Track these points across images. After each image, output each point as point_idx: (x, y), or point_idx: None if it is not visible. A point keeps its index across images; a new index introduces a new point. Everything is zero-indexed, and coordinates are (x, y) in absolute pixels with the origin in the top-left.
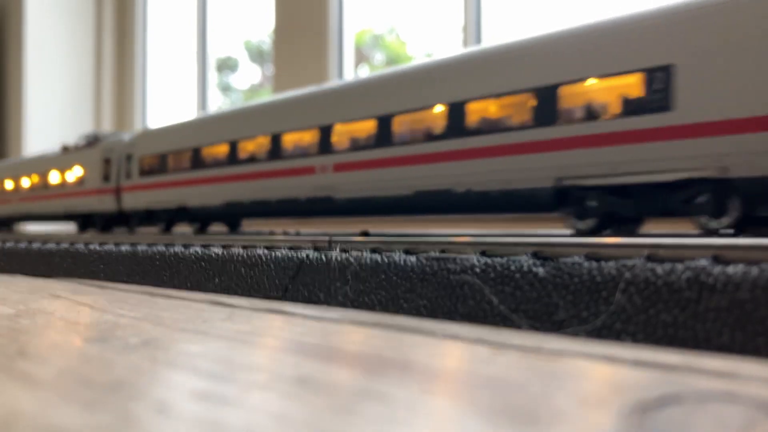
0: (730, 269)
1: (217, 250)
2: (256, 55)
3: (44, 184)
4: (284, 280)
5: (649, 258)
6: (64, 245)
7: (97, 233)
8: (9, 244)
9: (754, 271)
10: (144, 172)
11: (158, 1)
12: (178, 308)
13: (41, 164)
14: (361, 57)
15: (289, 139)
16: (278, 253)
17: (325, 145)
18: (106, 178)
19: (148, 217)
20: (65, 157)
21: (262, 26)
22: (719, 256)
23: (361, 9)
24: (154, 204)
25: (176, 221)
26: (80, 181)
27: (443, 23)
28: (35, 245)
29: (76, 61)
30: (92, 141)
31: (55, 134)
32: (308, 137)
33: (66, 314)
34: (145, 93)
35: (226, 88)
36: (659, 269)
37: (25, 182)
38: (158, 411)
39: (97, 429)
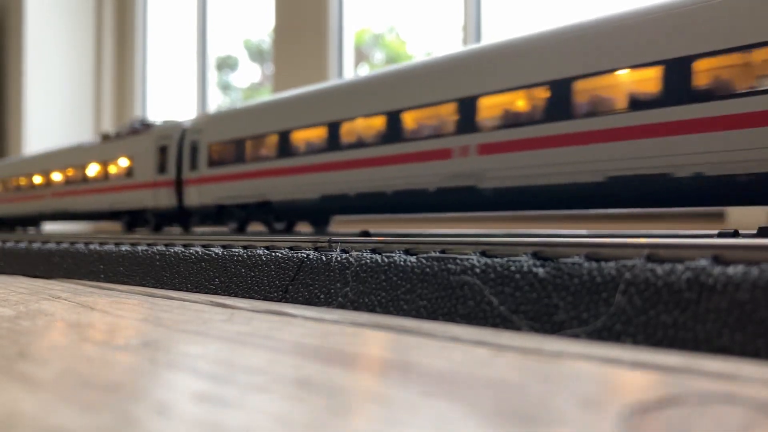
0: (730, 270)
1: (218, 251)
2: (256, 54)
3: (82, 178)
4: (284, 280)
5: (649, 258)
6: (64, 245)
7: (149, 232)
8: (9, 244)
9: (754, 271)
10: (214, 162)
11: (158, 0)
12: (178, 309)
13: (77, 155)
14: (360, 56)
15: (414, 118)
16: (278, 254)
17: (466, 122)
18: (161, 169)
19: (217, 214)
20: (107, 146)
21: (262, 25)
22: (719, 257)
23: (360, 8)
24: (227, 199)
25: (254, 219)
26: (127, 173)
27: (443, 22)
28: (35, 245)
29: (76, 61)
30: (141, 127)
31: (55, 134)
32: (442, 113)
33: (66, 315)
34: (145, 93)
35: (226, 87)
36: (659, 270)
37: (58, 176)
38: (158, 412)
39: (97, 430)
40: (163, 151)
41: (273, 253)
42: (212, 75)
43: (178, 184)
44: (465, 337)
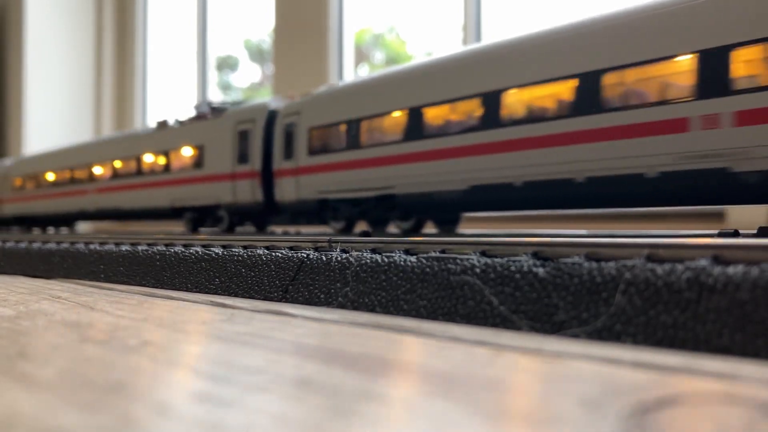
0: (731, 270)
1: (218, 250)
2: (256, 54)
3: (136, 170)
4: (284, 280)
5: (649, 258)
6: (64, 245)
7: (218, 233)
8: (9, 244)
9: (755, 271)
10: (316, 149)
11: (158, 0)
12: (178, 309)
13: (127, 145)
14: (361, 56)
15: (618, 80)
16: (278, 254)
17: (715, 81)
18: (241, 158)
19: (318, 211)
20: (166, 134)
21: (262, 25)
22: (719, 257)
23: (360, 8)
24: (334, 193)
25: (370, 216)
26: (195, 165)
27: (443, 22)
28: (35, 245)
29: (76, 61)
30: (211, 111)
31: (55, 134)
32: (674, 73)
33: (66, 315)
34: (145, 93)
35: (226, 87)
36: (659, 270)
37: (102, 169)
38: (158, 412)
39: (98, 430)
40: (243, 137)
41: (273, 253)
42: (212, 75)
43: (265, 176)
44: (465, 337)
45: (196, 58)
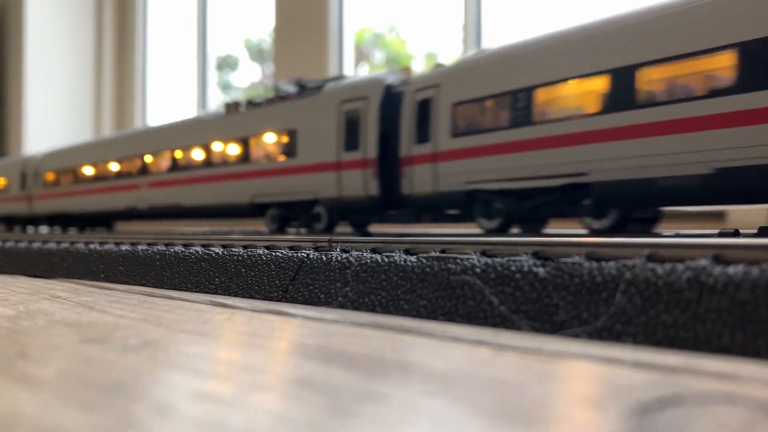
0: (731, 269)
1: (218, 250)
2: (256, 53)
3: (204, 161)
4: (284, 280)
5: (650, 258)
6: (64, 245)
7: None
8: (9, 244)
9: (755, 271)
10: (464, 130)
11: (158, 1)
12: (178, 309)
13: (191, 132)
14: (361, 56)
15: None
16: (278, 254)
17: None
18: (350, 144)
19: (465, 204)
20: (242, 118)
21: (262, 25)
22: (720, 256)
23: (360, 7)
24: (492, 181)
25: (547, 211)
26: (284, 153)
27: (443, 21)
28: (35, 245)
29: (76, 61)
30: (301, 89)
31: (55, 134)
32: None
33: (66, 315)
34: (145, 93)
35: (226, 87)
36: (660, 269)
37: (159, 161)
38: (158, 412)
39: (98, 430)
40: (351, 119)
41: (273, 253)
42: (212, 74)
43: (384, 165)
44: (465, 336)
45: (196, 58)
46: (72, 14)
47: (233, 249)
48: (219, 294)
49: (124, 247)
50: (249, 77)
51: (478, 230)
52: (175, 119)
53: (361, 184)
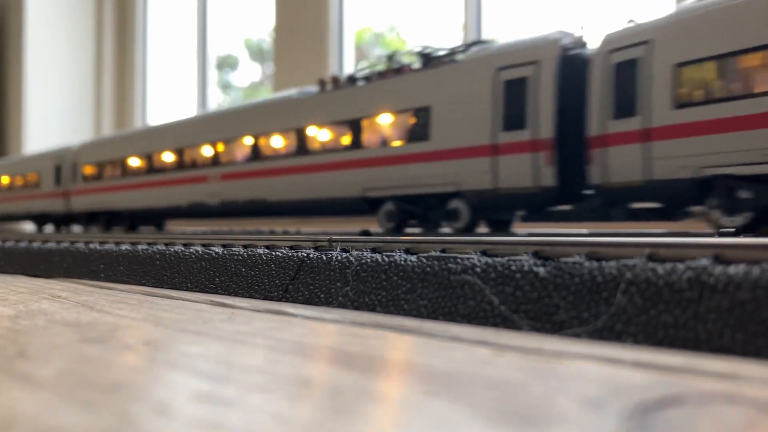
0: (732, 269)
1: (218, 250)
2: (257, 53)
3: (298, 148)
4: (285, 280)
5: (650, 258)
6: (64, 244)
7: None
8: (9, 244)
9: (756, 270)
10: (693, 99)
11: (158, 0)
12: (178, 309)
13: (276, 113)
14: (361, 55)
15: None
16: (278, 253)
17: None
18: (511, 122)
19: (696, 193)
20: (349, 94)
21: (263, 24)
22: (720, 256)
23: (361, 7)
24: (748, 164)
25: None
26: (411, 136)
27: (443, 21)
28: (35, 245)
29: (76, 61)
30: (432, 60)
31: (56, 133)
32: None
33: (66, 315)
34: (145, 92)
35: (226, 86)
36: (660, 269)
37: (232, 149)
38: (158, 412)
39: (97, 430)
40: (514, 90)
41: (273, 253)
42: (212, 74)
43: (563, 147)
44: (465, 336)
45: (196, 58)
46: (72, 14)
47: (233, 248)
48: (219, 293)
49: (124, 247)
50: (249, 77)
51: (477, 230)
52: (254, 100)
53: (529, 171)
